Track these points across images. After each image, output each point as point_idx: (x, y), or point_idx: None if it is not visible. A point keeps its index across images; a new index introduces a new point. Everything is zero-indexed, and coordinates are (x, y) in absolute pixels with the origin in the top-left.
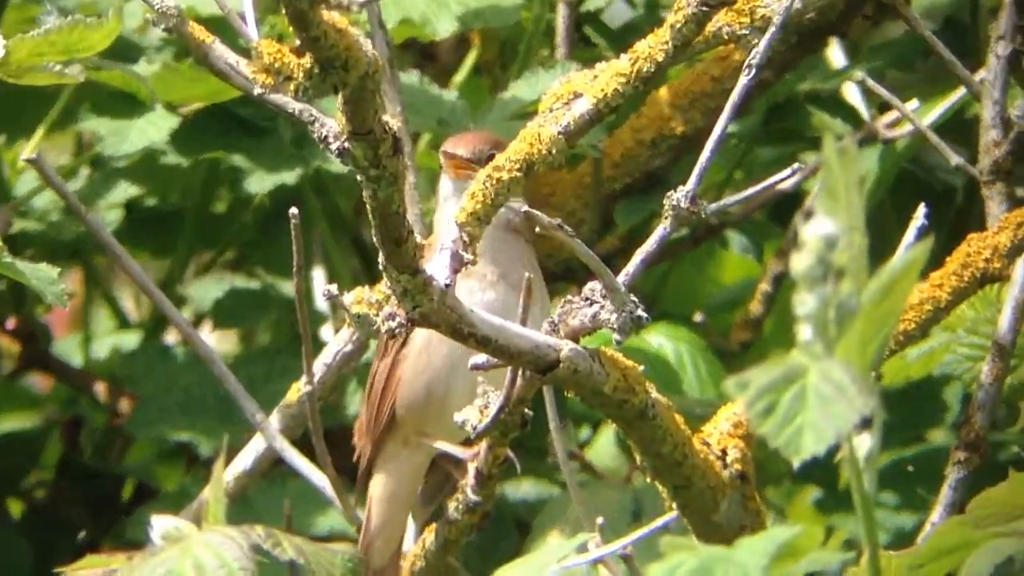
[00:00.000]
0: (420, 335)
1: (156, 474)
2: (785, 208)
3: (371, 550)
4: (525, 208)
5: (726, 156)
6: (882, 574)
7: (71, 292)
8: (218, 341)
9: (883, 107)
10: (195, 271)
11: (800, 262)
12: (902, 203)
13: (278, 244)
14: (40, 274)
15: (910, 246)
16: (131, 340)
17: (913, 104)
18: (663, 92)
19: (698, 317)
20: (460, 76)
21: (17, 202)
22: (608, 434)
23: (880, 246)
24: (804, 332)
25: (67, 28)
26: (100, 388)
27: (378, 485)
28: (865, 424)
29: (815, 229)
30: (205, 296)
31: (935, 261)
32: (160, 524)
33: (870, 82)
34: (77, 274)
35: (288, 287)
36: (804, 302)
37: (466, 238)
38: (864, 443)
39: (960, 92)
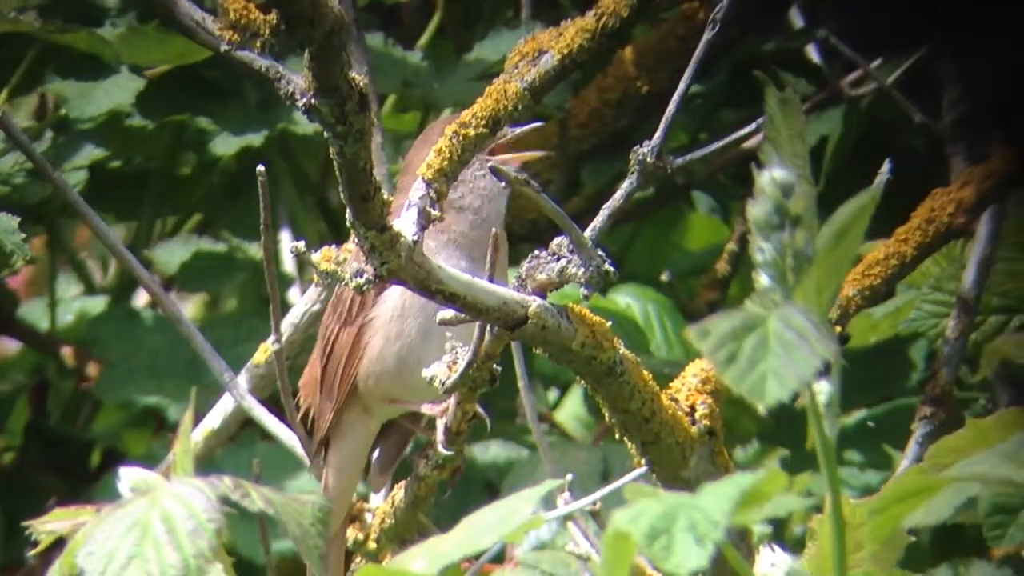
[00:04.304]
0: (390, 301)
1: (124, 440)
2: (750, 168)
3: None
4: (492, 163)
5: (691, 117)
6: (845, 521)
7: (36, 257)
8: (184, 309)
9: (847, 66)
10: (161, 234)
11: (756, 209)
12: (866, 164)
13: (244, 207)
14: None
15: None
16: (97, 304)
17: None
18: (628, 52)
19: (664, 277)
20: (425, 38)
21: None
22: (576, 396)
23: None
24: (762, 279)
25: None
26: (67, 352)
27: (334, 454)
28: (825, 370)
29: (770, 176)
30: (171, 259)
31: (900, 218)
32: (128, 475)
33: (834, 40)
34: (41, 238)
35: (254, 250)
36: (761, 249)
37: (433, 195)
38: (824, 388)
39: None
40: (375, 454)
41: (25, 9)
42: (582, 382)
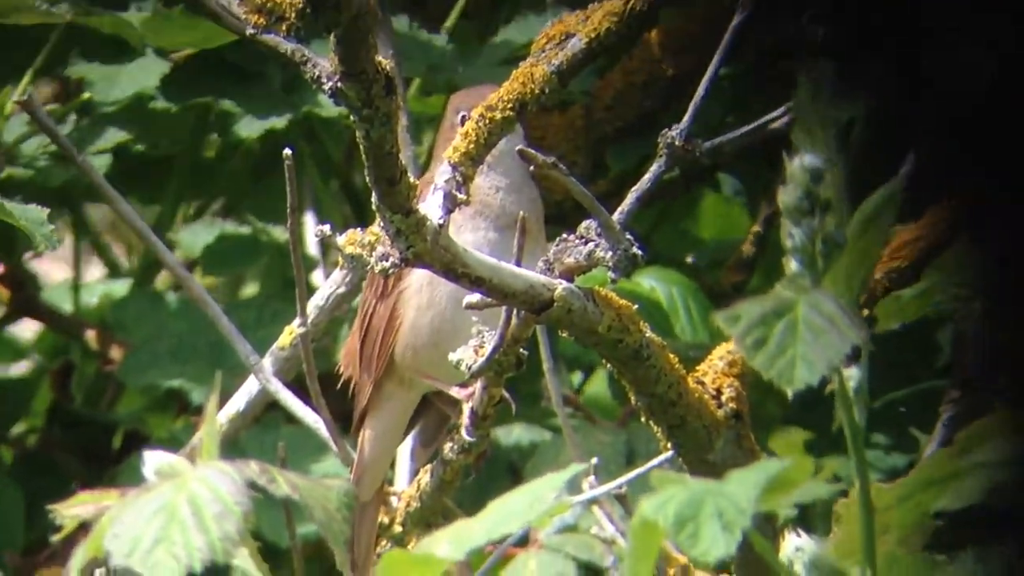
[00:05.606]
0: (419, 272)
1: (147, 422)
2: (776, 150)
3: (360, 486)
4: (520, 146)
5: (719, 100)
6: (872, 506)
7: (60, 239)
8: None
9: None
10: (185, 217)
11: (787, 195)
12: (892, 146)
13: (268, 190)
14: (29, 215)
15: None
16: (121, 287)
17: None
18: (654, 34)
19: (689, 259)
20: (450, 21)
21: (6, 147)
22: (601, 378)
23: (871, 188)
24: (792, 265)
25: None
26: (91, 335)
27: (371, 423)
28: (855, 356)
29: (800, 162)
30: (195, 242)
31: (928, 200)
32: (153, 459)
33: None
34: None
35: (278, 233)
36: (791, 235)
37: (459, 178)
38: (854, 374)
39: None
40: (416, 428)
41: (57, 1)
42: (607, 365)
